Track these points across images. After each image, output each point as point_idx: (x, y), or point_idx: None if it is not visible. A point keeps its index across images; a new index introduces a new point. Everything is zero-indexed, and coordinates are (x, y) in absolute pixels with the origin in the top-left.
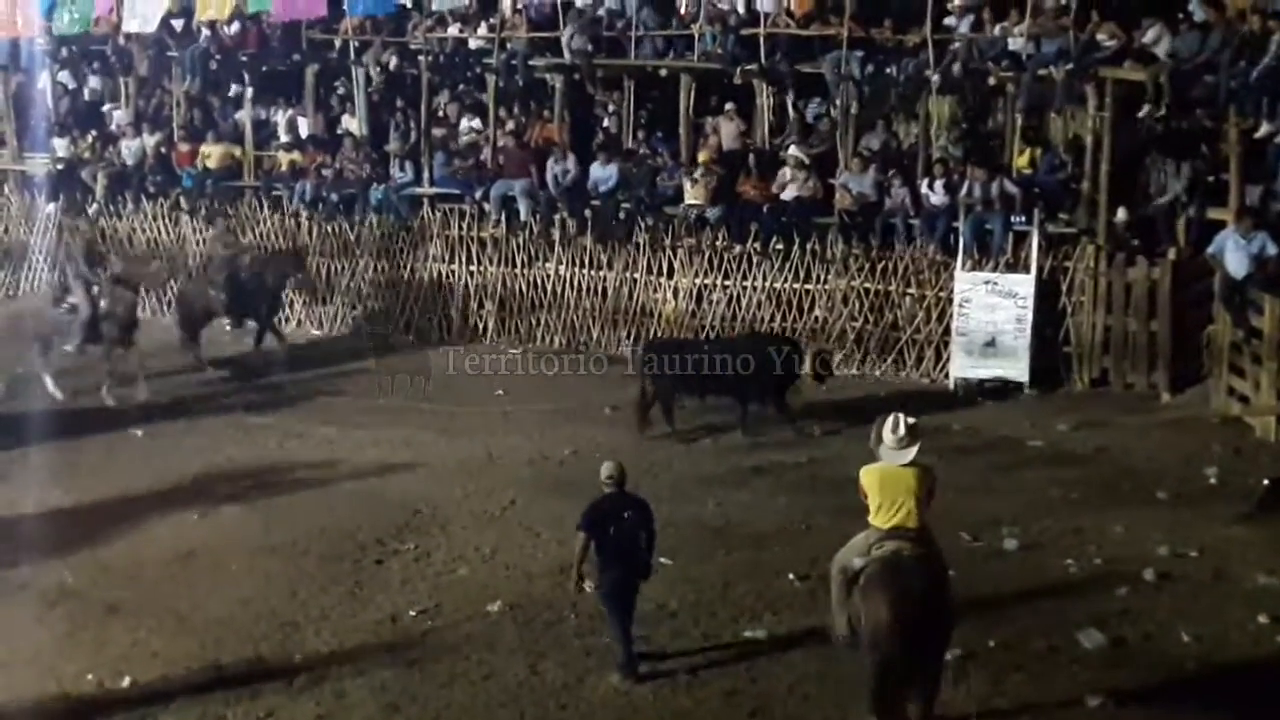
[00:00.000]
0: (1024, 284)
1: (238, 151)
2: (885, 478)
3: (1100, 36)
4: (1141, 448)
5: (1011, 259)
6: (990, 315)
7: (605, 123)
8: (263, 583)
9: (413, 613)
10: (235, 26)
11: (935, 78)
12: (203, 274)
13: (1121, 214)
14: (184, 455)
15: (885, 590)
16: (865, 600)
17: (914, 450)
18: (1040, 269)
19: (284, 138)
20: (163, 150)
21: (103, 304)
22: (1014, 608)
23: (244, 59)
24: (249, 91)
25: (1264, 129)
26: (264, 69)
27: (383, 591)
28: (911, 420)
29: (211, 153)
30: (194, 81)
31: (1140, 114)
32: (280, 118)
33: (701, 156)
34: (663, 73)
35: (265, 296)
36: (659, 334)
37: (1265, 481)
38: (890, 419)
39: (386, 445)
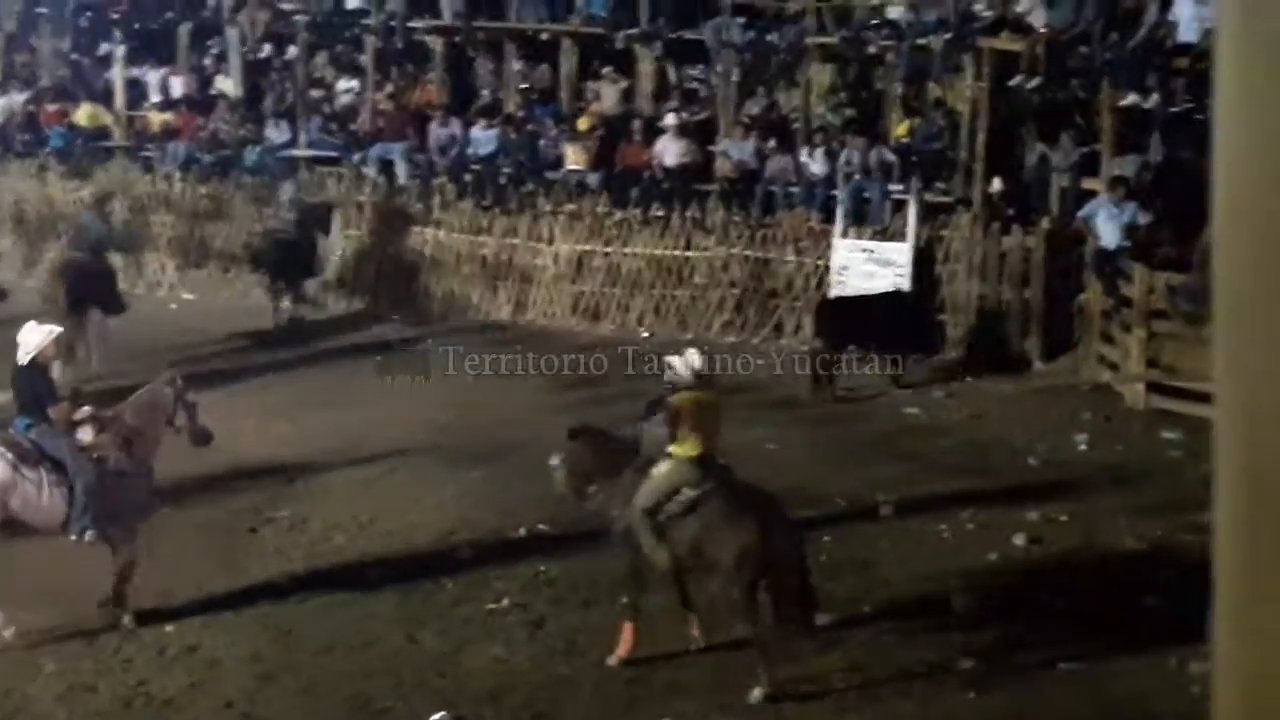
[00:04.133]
0: (901, 252)
1: (109, 119)
2: (699, 403)
3: (977, 6)
4: (1014, 415)
5: (889, 227)
6: (868, 283)
7: (485, 86)
8: None
9: (287, 581)
10: None
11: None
12: None
13: (997, 183)
14: None
15: (742, 516)
16: (731, 527)
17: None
18: (917, 237)
19: (156, 98)
20: (30, 109)
21: None
22: (889, 572)
23: (115, 16)
24: (120, 50)
25: (1133, 100)
26: (136, 27)
27: (257, 561)
28: (700, 355)
29: (81, 112)
30: (64, 39)
31: (1016, 84)
32: (152, 77)
33: (582, 123)
34: (544, 36)
35: None
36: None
37: None
38: (687, 351)
39: (261, 412)
